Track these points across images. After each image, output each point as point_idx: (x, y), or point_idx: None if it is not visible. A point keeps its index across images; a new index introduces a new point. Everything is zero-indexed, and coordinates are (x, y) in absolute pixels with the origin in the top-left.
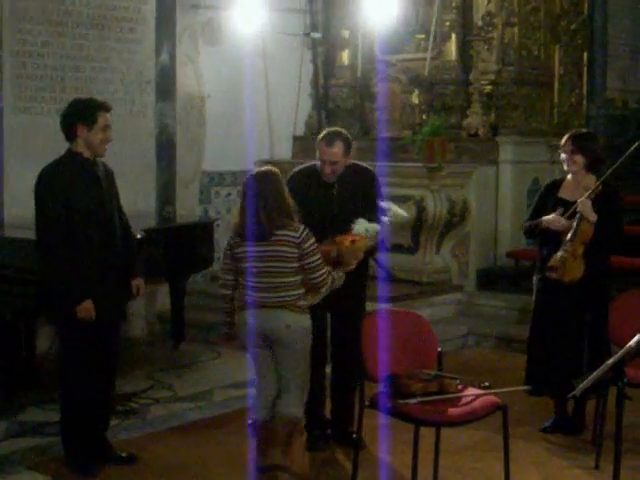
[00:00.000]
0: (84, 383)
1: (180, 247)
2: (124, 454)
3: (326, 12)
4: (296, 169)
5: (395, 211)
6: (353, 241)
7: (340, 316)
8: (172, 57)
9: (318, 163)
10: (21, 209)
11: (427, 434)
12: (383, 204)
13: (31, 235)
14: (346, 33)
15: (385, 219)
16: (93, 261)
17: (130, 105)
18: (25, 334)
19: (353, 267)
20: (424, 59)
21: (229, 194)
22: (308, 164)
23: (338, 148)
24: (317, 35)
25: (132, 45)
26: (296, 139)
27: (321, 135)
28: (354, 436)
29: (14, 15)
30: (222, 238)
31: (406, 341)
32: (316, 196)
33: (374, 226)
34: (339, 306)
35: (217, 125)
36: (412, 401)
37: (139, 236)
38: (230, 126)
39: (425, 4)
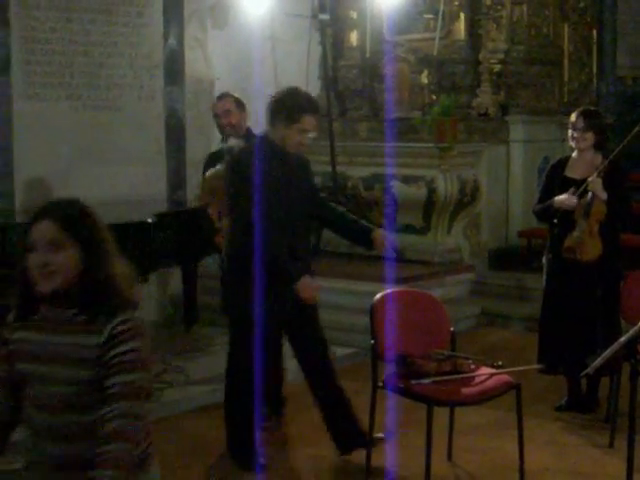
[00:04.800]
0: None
1: (191, 231)
2: None
3: None
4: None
5: None
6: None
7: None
8: (180, 41)
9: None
10: (33, 196)
11: (440, 414)
12: None
13: None
14: (354, 14)
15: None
16: None
17: (139, 89)
18: None
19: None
20: (433, 39)
21: None
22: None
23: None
24: (325, 16)
25: (140, 29)
26: None
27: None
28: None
29: (22, 2)
30: None
31: (418, 322)
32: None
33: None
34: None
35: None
36: (425, 381)
37: (150, 220)
38: None
39: None
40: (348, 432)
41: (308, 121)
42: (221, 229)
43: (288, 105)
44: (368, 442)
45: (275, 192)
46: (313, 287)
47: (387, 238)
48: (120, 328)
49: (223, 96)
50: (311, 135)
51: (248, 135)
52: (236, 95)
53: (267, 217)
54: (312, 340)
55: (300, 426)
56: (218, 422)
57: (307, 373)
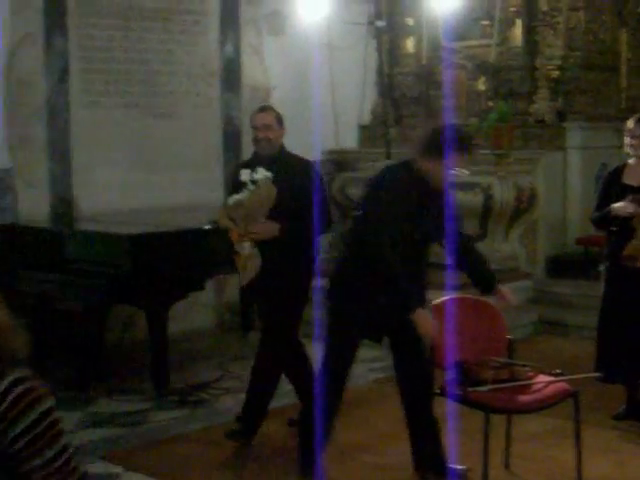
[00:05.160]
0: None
1: None
2: None
3: (390, 0)
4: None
5: (257, 174)
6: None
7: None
8: (237, 48)
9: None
10: (90, 203)
11: (497, 422)
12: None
13: (101, 228)
14: (410, 21)
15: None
16: None
17: (195, 97)
18: (96, 326)
19: (260, 236)
20: (489, 45)
21: None
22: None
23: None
24: (382, 23)
25: (197, 37)
26: (362, 128)
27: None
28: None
29: (80, 10)
30: None
31: (475, 329)
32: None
33: (243, 194)
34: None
35: (282, 115)
36: (483, 388)
37: (207, 227)
38: (296, 116)
39: None
40: (430, 455)
41: (457, 159)
42: (246, 252)
43: (442, 141)
44: (445, 470)
45: (409, 218)
46: (432, 323)
47: (510, 296)
48: (17, 391)
49: (265, 109)
50: (460, 172)
51: (281, 153)
52: (278, 110)
53: (393, 238)
54: (413, 354)
55: (365, 433)
56: (273, 427)
57: (402, 386)
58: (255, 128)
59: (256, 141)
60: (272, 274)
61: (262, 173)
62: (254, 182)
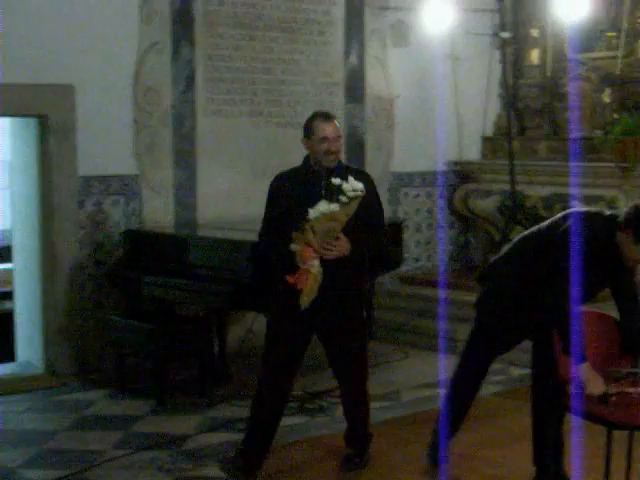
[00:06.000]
0: None
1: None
2: None
3: (515, 11)
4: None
5: (350, 184)
6: (309, 224)
7: (332, 336)
8: (361, 59)
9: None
10: (213, 210)
11: (620, 437)
12: (334, 180)
13: (223, 235)
14: (535, 32)
15: (343, 198)
16: None
17: (319, 107)
18: (217, 331)
19: (334, 254)
20: (615, 57)
21: (418, 195)
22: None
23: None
24: (506, 35)
25: (321, 47)
26: (485, 139)
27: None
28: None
29: (207, 19)
30: (410, 239)
31: (596, 342)
32: (300, 193)
33: (332, 207)
34: (328, 321)
35: (405, 126)
36: (605, 403)
37: None
38: (419, 127)
39: (616, 2)
40: (552, 472)
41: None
42: (316, 271)
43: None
44: None
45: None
46: (602, 384)
47: None
48: None
49: (332, 118)
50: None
51: (340, 165)
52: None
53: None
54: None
55: (486, 445)
56: (393, 439)
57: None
58: (324, 140)
59: (328, 153)
60: (335, 294)
61: (356, 185)
62: (340, 192)
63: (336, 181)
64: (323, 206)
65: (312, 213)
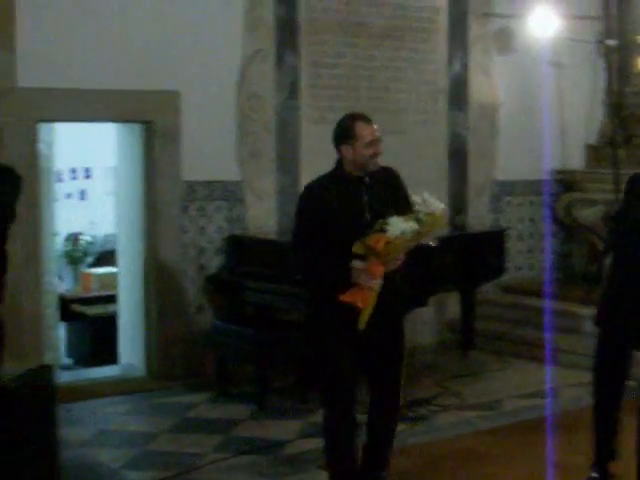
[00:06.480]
0: None
1: (472, 256)
2: None
3: (620, 18)
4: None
5: (428, 200)
6: (388, 242)
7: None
8: (465, 66)
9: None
10: None
11: None
12: (415, 197)
13: None
14: None
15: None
16: None
17: (423, 114)
18: None
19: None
20: None
21: (521, 203)
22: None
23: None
24: (612, 42)
25: (425, 55)
26: (589, 148)
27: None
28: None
29: (311, 27)
30: (513, 248)
31: None
32: (344, 203)
33: (412, 225)
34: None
35: (509, 133)
36: None
37: (433, 244)
38: (522, 134)
39: None
40: None
41: None
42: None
43: None
44: None
45: None
46: None
47: None
48: None
49: (371, 120)
50: None
51: (377, 171)
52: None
53: None
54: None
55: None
56: (493, 449)
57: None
58: (369, 145)
59: (373, 157)
60: (387, 311)
61: (437, 203)
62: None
63: (417, 199)
64: (401, 224)
65: (392, 231)
